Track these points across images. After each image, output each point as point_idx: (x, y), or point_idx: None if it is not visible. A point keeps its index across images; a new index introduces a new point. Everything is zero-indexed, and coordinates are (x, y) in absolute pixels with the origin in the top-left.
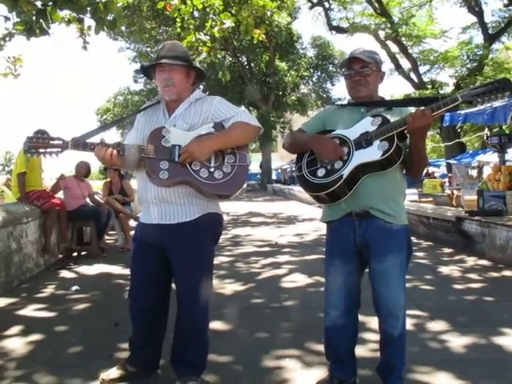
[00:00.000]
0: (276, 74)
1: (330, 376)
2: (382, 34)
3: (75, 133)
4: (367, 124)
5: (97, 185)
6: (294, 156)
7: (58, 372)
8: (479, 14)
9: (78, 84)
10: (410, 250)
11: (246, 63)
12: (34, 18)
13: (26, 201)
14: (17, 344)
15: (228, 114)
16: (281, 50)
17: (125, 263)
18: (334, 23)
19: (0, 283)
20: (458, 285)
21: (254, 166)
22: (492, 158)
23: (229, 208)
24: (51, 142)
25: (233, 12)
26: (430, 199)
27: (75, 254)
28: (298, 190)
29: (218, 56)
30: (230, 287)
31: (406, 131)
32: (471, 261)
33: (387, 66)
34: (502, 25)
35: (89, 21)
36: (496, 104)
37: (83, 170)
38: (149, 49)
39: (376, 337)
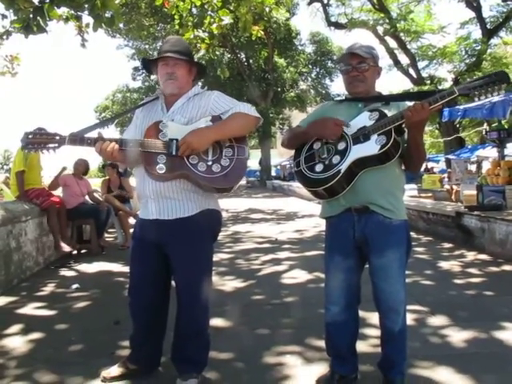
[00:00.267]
0: (275, 71)
1: (331, 372)
2: (380, 29)
3: (74, 131)
4: (365, 119)
5: (95, 183)
6: (293, 152)
7: (59, 370)
8: (477, 9)
9: (76, 82)
10: (410, 245)
11: (244, 60)
12: (31, 15)
13: (25, 199)
14: (17, 342)
15: (227, 106)
16: (279, 46)
17: (125, 261)
18: (333, 19)
19: (0, 282)
20: (458, 279)
21: (254, 163)
22: (491, 152)
23: (228, 205)
24: (48, 137)
25: (231, 8)
26: (430, 194)
27: (75, 252)
28: (297, 186)
29: (217, 53)
30: (230, 284)
31: (403, 125)
32: (471, 255)
33: (386, 61)
34: (500, 20)
35: (87, 18)
36: (495, 99)
37: (81, 168)
38: (147, 46)
39: (377, 332)
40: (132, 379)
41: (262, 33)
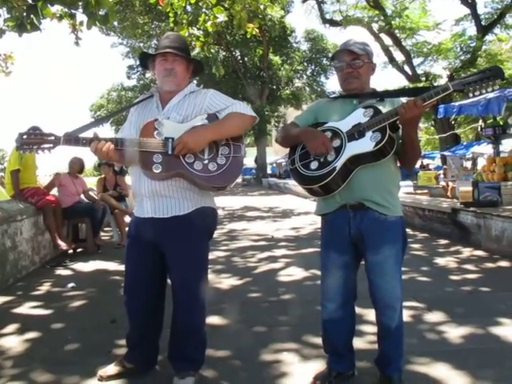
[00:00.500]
0: (270, 68)
1: (329, 369)
2: (375, 26)
3: (69, 130)
4: (359, 115)
5: (91, 182)
6: (288, 150)
7: (56, 369)
8: (472, 6)
9: (71, 80)
10: (406, 242)
11: (239, 58)
12: (24, 13)
13: (20, 198)
14: (13, 342)
15: (223, 105)
16: (274, 44)
17: (121, 259)
18: (328, 16)
19: None
20: (454, 276)
21: (249, 161)
22: (486, 149)
23: (224, 202)
24: (43, 137)
25: (226, 6)
26: (425, 191)
27: (71, 251)
28: (293, 183)
29: (212, 51)
30: (226, 282)
31: (398, 122)
32: (467, 252)
33: (381, 58)
34: (495, 16)
35: (81, 16)
36: (490, 95)
37: (77, 167)
38: (142, 44)
39: (373, 329)
40: (129, 378)
41: (257, 30)
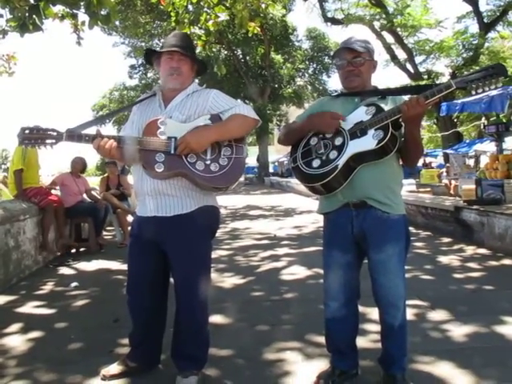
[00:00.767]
0: (272, 67)
1: (332, 368)
2: (377, 24)
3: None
4: (361, 113)
5: (93, 181)
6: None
7: (59, 369)
8: (474, 3)
9: (73, 80)
10: (409, 240)
11: (241, 56)
12: (26, 14)
13: (23, 198)
14: (17, 341)
15: (226, 105)
16: (276, 42)
17: (123, 259)
18: (329, 15)
19: None
20: (457, 274)
21: (251, 160)
22: (489, 147)
23: (227, 201)
24: (46, 133)
25: (227, 5)
26: (428, 189)
27: (74, 250)
28: (295, 182)
29: (213, 50)
30: (229, 281)
31: (400, 119)
32: (470, 250)
33: (383, 56)
34: (498, 13)
35: (82, 16)
36: (493, 93)
37: (79, 166)
38: (143, 43)
39: (377, 328)
40: (132, 377)
41: (259, 29)
